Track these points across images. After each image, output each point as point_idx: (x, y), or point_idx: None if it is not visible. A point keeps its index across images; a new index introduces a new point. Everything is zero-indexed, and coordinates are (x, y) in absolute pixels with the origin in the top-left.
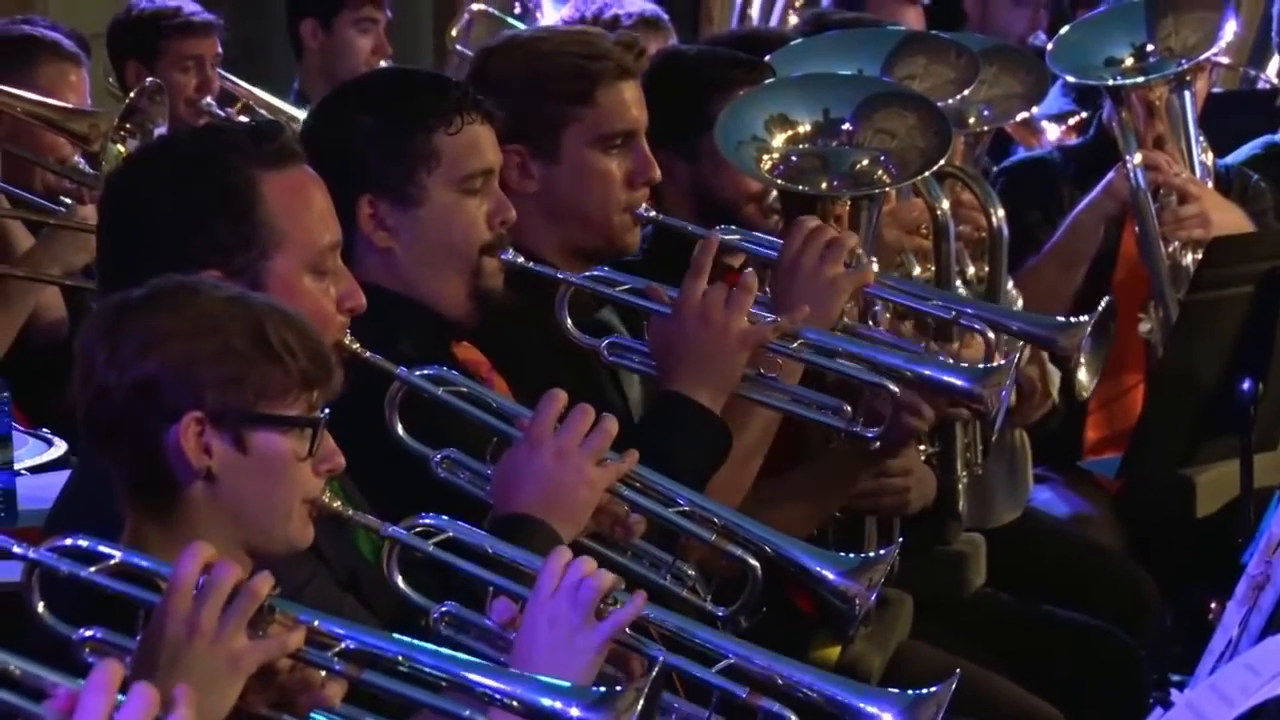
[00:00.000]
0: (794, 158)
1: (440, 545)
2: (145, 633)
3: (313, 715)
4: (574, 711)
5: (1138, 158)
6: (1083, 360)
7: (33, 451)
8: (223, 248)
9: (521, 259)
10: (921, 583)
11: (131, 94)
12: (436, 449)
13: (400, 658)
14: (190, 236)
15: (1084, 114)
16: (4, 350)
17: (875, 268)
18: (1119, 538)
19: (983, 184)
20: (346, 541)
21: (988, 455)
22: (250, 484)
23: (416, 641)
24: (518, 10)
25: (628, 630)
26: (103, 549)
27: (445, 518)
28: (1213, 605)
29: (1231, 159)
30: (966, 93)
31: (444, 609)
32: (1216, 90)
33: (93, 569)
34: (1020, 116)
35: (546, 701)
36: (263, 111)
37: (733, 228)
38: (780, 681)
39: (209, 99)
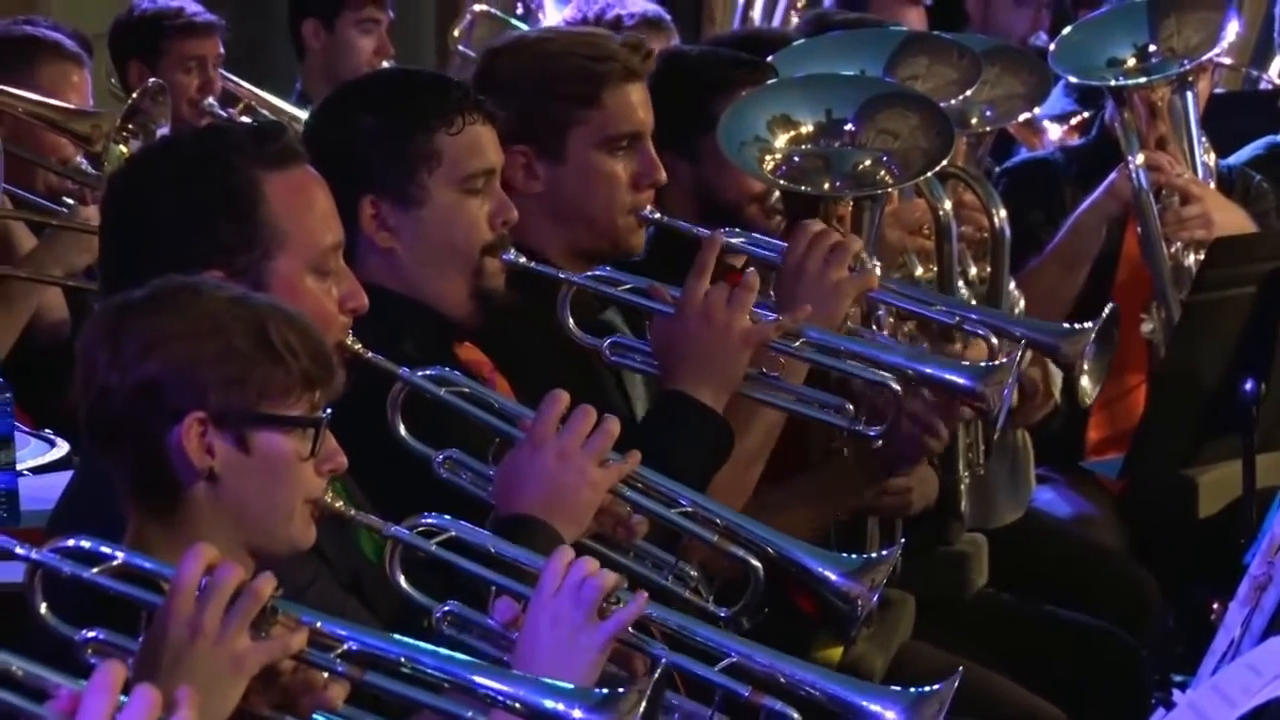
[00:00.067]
0: (796, 158)
1: (443, 545)
2: (148, 634)
3: (315, 716)
4: (576, 713)
5: (1140, 158)
6: (1086, 367)
7: (35, 452)
8: (225, 248)
9: (523, 259)
10: (924, 583)
11: (134, 95)
12: (439, 450)
13: (403, 659)
14: (192, 237)
15: (1086, 114)
16: (6, 351)
17: (879, 272)
18: (1121, 538)
19: (985, 184)
20: (349, 542)
21: (990, 455)
22: (253, 484)
23: (419, 643)
24: (520, 11)
25: (630, 629)
26: (105, 550)
27: (448, 517)
28: (1215, 606)
29: (1234, 159)
30: (969, 93)
31: (446, 608)
32: (1219, 91)
33: (95, 570)
34: (1022, 117)
35: (549, 703)
36: (265, 112)
37: (736, 230)
38: (783, 680)
39: (211, 99)
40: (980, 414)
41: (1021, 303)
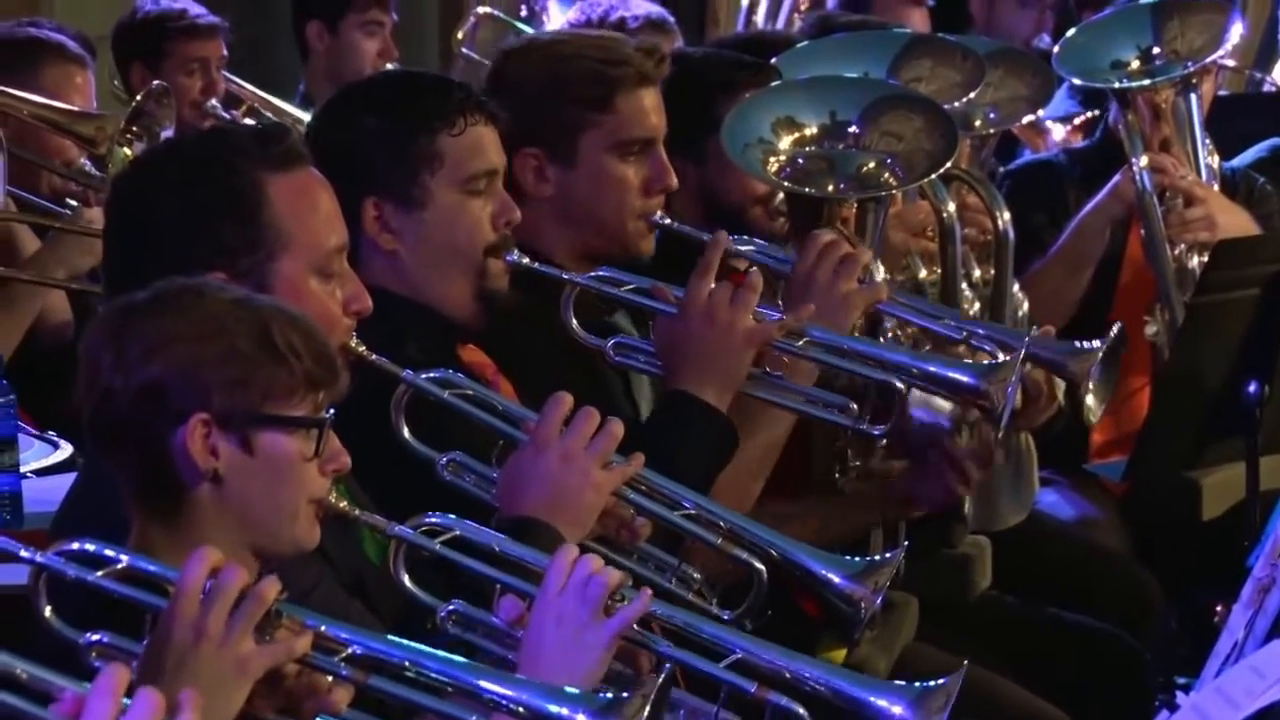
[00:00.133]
0: (800, 160)
1: (447, 544)
2: (152, 637)
3: None
4: (580, 718)
5: (1144, 160)
6: (1091, 386)
7: (38, 454)
8: (228, 250)
9: (526, 259)
10: (927, 585)
11: (137, 97)
12: (442, 452)
13: (407, 663)
14: (196, 239)
15: (1090, 116)
16: (10, 353)
17: (886, 283)
18: (1124, 540)
19: (989, 186)
20: (352, 544)
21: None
22: (257, 485)
23: (423, 647)
24: (524, 13)
25: (635, 627)
26: (109, 552)
27: (452, 516)
28: (1218, 608)
29: (1237, 162)
30: (972, 95)
31: (451, 607)
32: (1222, 93)
33: (99, 573)
34: (1026, 119)
35: (553, 708)
36: (268, 114)
37: (745, 238)
38: (788, 676)
39: (214, 101)
40: (984, 412)
41: (1025, 305)
